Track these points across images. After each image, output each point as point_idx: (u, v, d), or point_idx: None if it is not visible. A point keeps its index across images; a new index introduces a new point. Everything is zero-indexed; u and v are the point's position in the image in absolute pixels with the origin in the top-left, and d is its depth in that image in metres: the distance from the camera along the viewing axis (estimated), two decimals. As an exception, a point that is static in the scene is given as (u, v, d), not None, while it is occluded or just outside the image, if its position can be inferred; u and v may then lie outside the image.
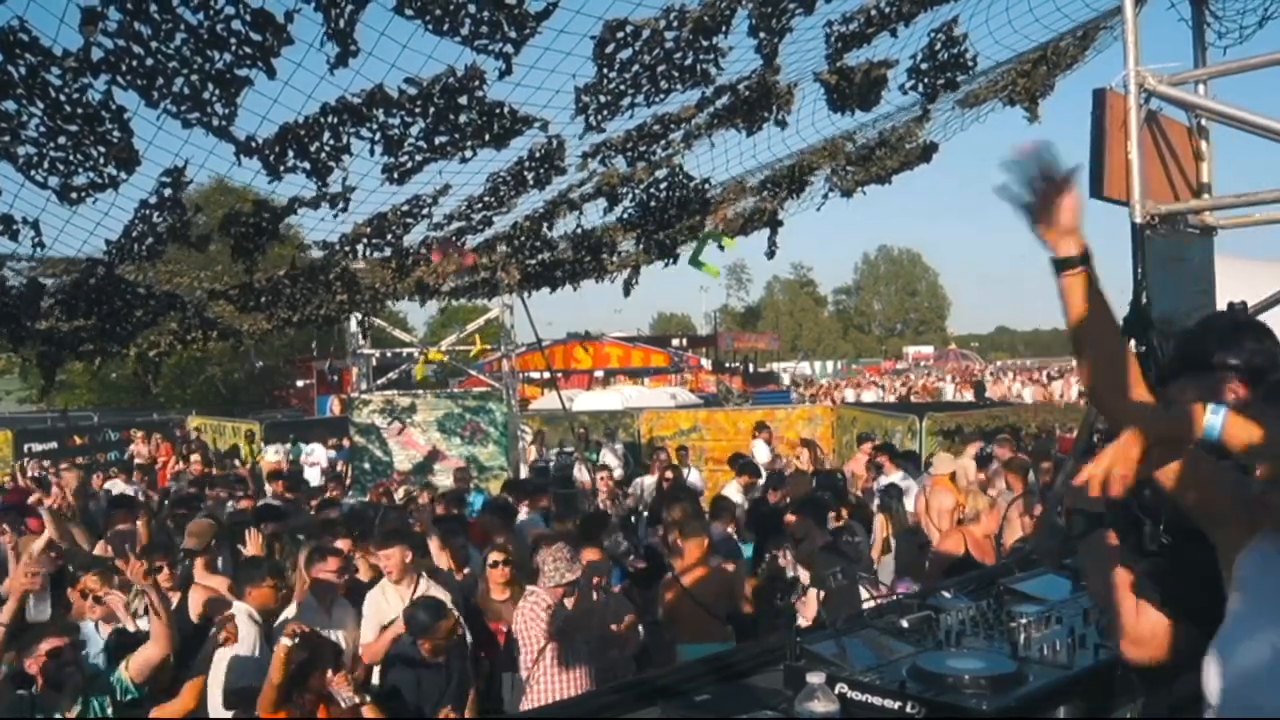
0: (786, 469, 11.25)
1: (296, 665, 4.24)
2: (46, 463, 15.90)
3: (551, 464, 13.82)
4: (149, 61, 3.10)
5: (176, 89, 3.23)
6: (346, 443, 15.16)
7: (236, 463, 15.51)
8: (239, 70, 3.22)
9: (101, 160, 3.55)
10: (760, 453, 13.49)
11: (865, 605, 3.38)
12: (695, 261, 8.54)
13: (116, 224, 4.43)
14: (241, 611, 5.12)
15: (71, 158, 3.52)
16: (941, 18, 5.43)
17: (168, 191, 4.04)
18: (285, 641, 4.28)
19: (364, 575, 6.04)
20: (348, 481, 12.78)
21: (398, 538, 5.77)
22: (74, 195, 3.68)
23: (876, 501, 8.78)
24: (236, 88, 3.29)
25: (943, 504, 8.02)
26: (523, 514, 8.36)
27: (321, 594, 5.39)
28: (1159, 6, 5.36)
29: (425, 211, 5.66)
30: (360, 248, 5.98)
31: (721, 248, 8.46)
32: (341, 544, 6.35)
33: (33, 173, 3.55)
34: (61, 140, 3.43)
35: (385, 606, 5.58)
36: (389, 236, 5.88)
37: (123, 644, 4.99)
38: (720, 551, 6.63)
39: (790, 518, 6.36)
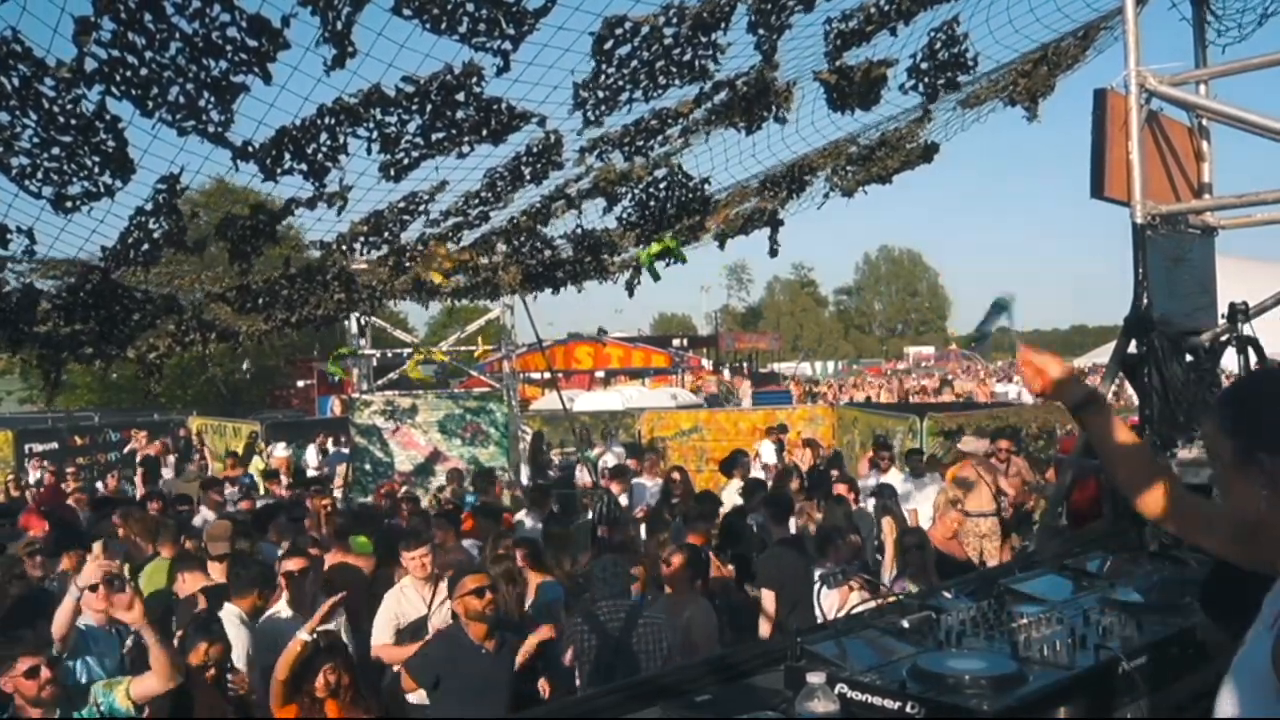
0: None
1: (302, 663, 4.25)
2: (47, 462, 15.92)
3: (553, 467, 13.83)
4: (143, 71, 3.06)
5: (171, 98, 3.19)
6: (333, 444, 15.14)
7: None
8: (235, 77, 3.19)
9: (96, 169, 3.50)
10: (767, 454, 13.43)
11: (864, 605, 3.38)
12: (649, 265, 8.17)
13: (112, 230, 4.40)
14: (231, 615, 5.12)
15: (65, 167, 3.46)
16: (942, 17, 5.41)
17: (164, 198, 4.01)
18: (302, 636, 4.31)
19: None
20: (337, 483, 12.77)
21: (422, 538, 5.83)
22: (69, 204, 3.63)
23: (872, 504, 8.77)
24: (232, 94, 3.26)
25: None
26: (527, 521, 8.34)
27: (296, 597, 5.39)
28: (1160, 6, 5.36)
29: (422, 208, 5.65)
30: (358, 246, 5.97)
31: (681, 261, 8.18)
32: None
33: (27, 182, 3.50)
34: (55, 151, 3.38)
35: (404, 607, 5.59)
36: (386, 234, 5.86)
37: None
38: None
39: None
